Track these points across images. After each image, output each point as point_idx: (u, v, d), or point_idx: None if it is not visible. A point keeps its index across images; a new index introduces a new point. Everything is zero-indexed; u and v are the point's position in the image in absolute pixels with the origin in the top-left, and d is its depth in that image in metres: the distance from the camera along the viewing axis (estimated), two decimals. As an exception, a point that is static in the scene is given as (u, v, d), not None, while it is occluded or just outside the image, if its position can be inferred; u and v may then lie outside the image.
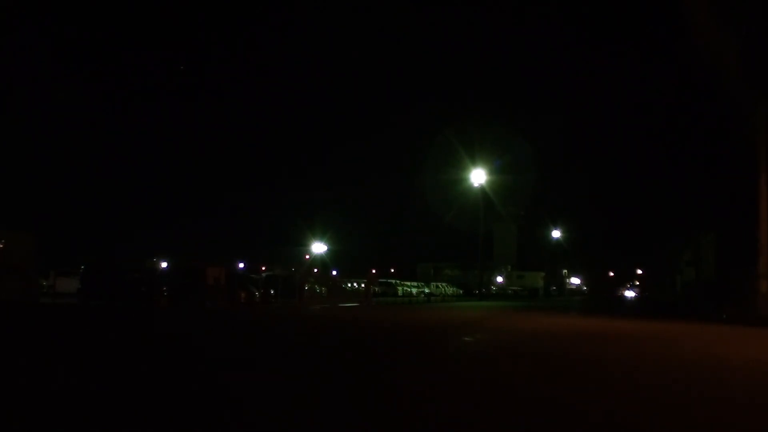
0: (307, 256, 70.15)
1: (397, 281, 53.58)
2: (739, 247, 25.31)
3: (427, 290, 49.59)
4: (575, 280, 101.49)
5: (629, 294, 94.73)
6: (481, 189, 50.15)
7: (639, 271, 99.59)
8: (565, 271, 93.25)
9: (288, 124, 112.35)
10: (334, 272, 70.29)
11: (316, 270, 66.35)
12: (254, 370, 7.76)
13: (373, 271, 66.38)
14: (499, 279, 74.25)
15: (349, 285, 50.36)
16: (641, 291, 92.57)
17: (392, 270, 76.23)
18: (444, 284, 57.10)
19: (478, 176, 49.68)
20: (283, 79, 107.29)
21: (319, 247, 67.18)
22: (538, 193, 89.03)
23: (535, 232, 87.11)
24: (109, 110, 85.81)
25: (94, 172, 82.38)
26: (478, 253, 51.90)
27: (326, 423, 5.02)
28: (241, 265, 61.41)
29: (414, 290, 49.14)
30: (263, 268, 55.99)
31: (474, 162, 49.89)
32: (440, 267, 73.42)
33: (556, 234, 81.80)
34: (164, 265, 43.40)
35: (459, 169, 50.77)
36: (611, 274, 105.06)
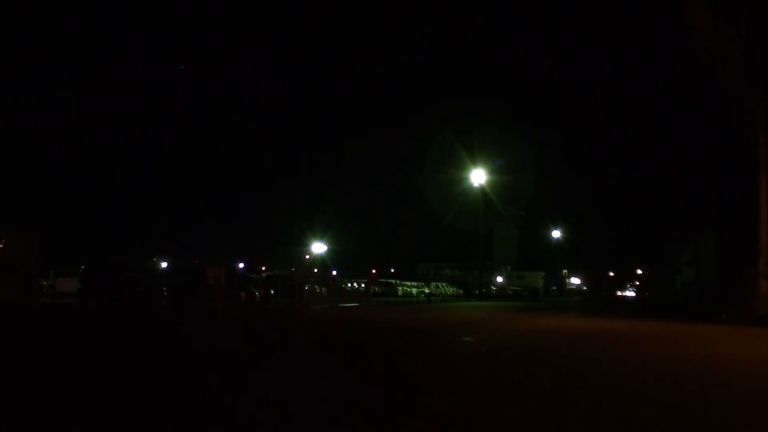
0: (307, 256, 70.19)
1: (397, 281, 53.63)
2: (739, 247, 25.28)
3: (427, 290, 49.62)
4: (575, 280, 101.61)
5: (629, 294, 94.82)
6: (481, 189, 50.19)
7: (639, 271, 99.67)
8: (565, 271, 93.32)
9: (288, 124, 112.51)
10: (334, 272, 70.31)
11: (316, 270, 66.41)
12: (256, 370, 7.77)
13: (373, 271, 66.45)
14: (499, 279, 74.29)
15: (349, 285, 50.42)
16: (641, 291, 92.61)
17: (392, 270, 76.27)
18: (444, 284, 57.14)
19: (478, 176, 49.74)
20: (283, 80, 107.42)
21: (319, 247, 67.21)
22: (538, 193, 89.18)
23: (535, 232, 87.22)
24: (110, 110, 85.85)
25: (94, 172, 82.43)
26: (478, 253, 51.94)
27: (332, 420, 5.03)
28: (241, 265, 61.49)
29: (414, 290, 49.17)
30: (263, 268, 56.11)
31: (474, 162, 49.99)
32: (440, 267, 73.46)
33: (556, 234, 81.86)
34: (164, 265, 43.41)
35: (459, 169, 50.89)
36: (611, 274, 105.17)
